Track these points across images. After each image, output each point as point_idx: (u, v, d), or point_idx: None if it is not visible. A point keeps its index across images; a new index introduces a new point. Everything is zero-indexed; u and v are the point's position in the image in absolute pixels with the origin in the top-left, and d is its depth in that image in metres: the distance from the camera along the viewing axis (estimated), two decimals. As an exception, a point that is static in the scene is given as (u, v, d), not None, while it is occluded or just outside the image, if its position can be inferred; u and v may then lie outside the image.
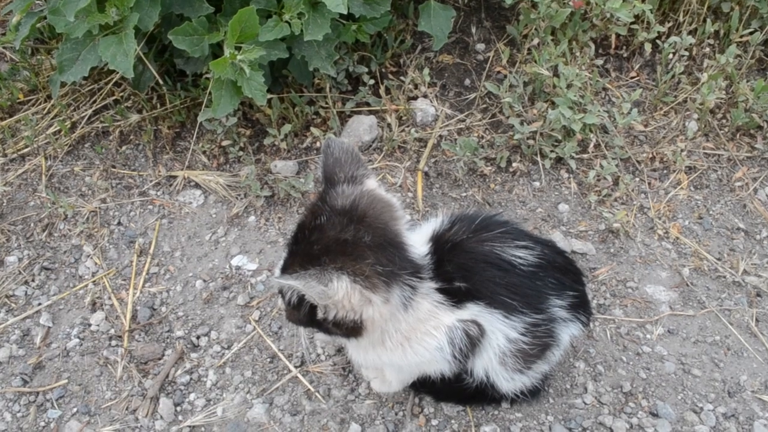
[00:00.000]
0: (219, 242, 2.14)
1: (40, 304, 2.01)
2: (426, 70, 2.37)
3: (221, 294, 2.01)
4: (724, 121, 2.29)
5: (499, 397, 1.70)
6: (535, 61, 2.29)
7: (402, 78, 2.42)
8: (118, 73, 2.42)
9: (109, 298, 2.02)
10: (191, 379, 1.84)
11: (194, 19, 2.02)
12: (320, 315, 1.33)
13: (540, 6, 2.27)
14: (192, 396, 1.81)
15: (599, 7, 2.32)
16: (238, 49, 1.96)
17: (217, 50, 2.15)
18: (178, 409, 1.78)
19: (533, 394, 1.71)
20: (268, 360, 1.86)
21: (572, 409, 1.72)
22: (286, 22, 2.03)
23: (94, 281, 2.06)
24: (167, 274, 2.07)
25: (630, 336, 1.85)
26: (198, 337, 1.92)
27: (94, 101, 2.45)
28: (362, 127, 2.30)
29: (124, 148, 2.37)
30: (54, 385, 1.84)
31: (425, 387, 1.73)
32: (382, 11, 2.15)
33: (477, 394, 1.68)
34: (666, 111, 2.33)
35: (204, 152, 2.33)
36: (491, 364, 1.49)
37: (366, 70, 2.38)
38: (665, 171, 2.21)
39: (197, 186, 2.28)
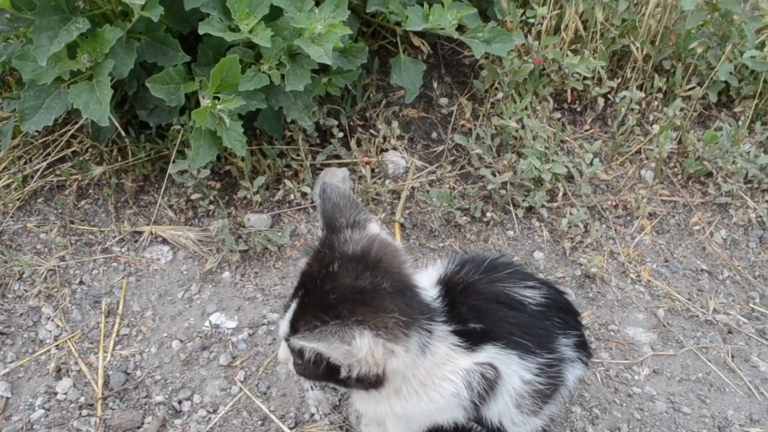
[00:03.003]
0: (193, 300, 2.03)
1: (-5, 373, 1.82)
2: (395, 123, 2.41)
3: (201, 354, 1.90)
4: (676, 169, 2.44)
5: (506, 446, 1.68)
6: (501, 115, 2.37)
7: (372, 131, 2.44)
8: (75, 125, 2.32)
9: (76, 363, 1.86)
10: (176, 448, 1.71)
11: (170, 68, 1.96)
12: (343, 374, 1.28)
13: (505, 61, 2.37)
14: (178, 466, 1.67)
15: (556, 63, 2.45)
16: (217, 98, 1.92)
17: (187, 101, 2.10)
18: (164, 481, 1.64)
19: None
20: (259, 422, 1.76)
21: (576, 453, 1.72)
22: (265, 72, 2.01)
23: (58, 345, 1.90)
24: (139, 335, 1.94)
25: (619, 378, 1.89)
26: (180, 402, 1.79)
27: (48, 154, 2.31)
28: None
29: (82, 203, 2.24)
30: (18, 465, 1.66)
31: (433, 440, 1.68)
32: (358, 63, 2.18)
33: (485, 444, 1.66)
34: (621, 161, 2.47)
35: (171, 206, 2.23)
36: (506, 408, 1.47)
37: (336, 123, 2.38)
38: (628, 218, 2.32)
39: (165, 242, 2.17)
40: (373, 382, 1.31)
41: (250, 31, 1.94)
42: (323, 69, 2.28)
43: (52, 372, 1.83)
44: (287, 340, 1.34)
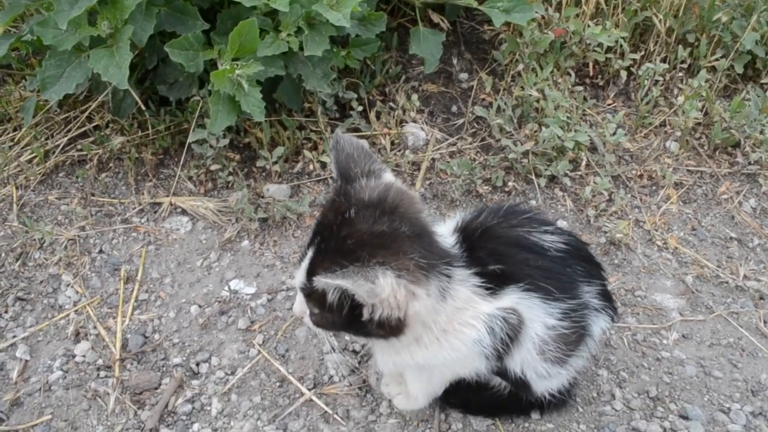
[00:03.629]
0: (212, 267, 2.02)
1: (15, 336, 1.82)
2: (415, 96, 2.39)
3: (219, 319, 1.88)
4: (702, 140, 2.39)
5: (529, 406, 1.63)
6: (522, 87, 2.34)
7: (391, 104, 2.42)
8: (95, 100, 2.34)
9: (95, 327, 1.85)
10: (194, 408, 1.68)
11: (189, 34, 1.97)
12: (365, 315, 1.24)
13: (525, 32, 2.34)
14: (196, 426, 1.65)
15: (578, 35, 2.42)
16: (236, 63, 1.92)
17: (209, 69, 2.10)
18: (181, 440, 1.62)
19: (561, 404, 1.65)
20: (278, 384, 1.73)
21: (603, 416, 1.66)
22: (283, 40, 2.01)
23: (77, 310, 1.89)
24: (158, 300, 1.93)
25: (647, 342, 1.83)
26: (198, 364, 1.77)
27: (69, 129, 2.33)
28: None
29: (103, 175, 2.24)
30: (35, 422, 1.65)
31: (455, 398, 1.64)
32: (376, 32, 2.17)
33: (509, 403, 1.61)
34: (646, 134, 2.42)
35: (190, 178, 2.23)
36: (530, 357, 1.42)
37: (355, 96, 2.37)
38: (654, 187, 2.27)
39: (184, 212, 2.16)
40: (394, 328, 1.27)
41: (269, -2, 1.94)
42: (342, 43, 2.28)
43: (70, 336, 1.83)
44: (304, 289, 1.32)
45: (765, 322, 1.89)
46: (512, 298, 1.36)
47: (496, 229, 1.42)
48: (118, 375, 1.74)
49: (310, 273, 1.27)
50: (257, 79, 1.99)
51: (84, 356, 1.78)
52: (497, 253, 1.38)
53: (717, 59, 2.48)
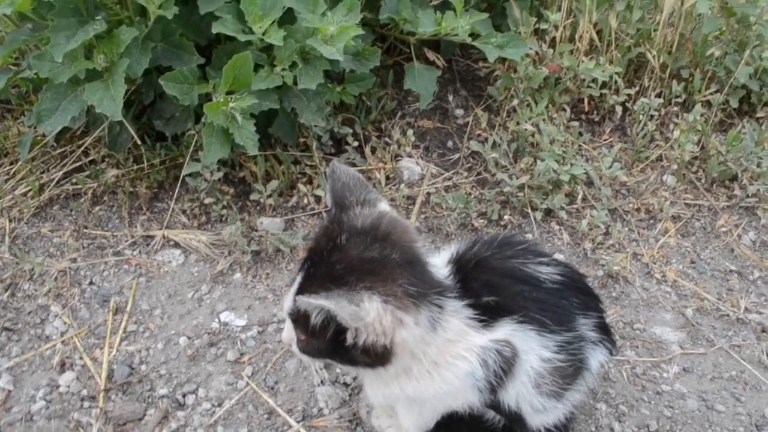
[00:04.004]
0: (203, 300, 1.99)
1: (-1, 367, 1.78)
2: (410, 131, 2.40)
3: (208, 351, 1.84)
4: (699, 173, 2.38)
5: (525, 440, 1.57)
6: (518, 122, 2.35)
7: (387, 139, 2.43)
8: (91, 135, 2.35)
9: (81, 357, 1.82)
10: (178, 441, 1.63)
11: (184, 67, 1.99)
12: (349, 339, 1.21)
13: (519, 67, 2.36)
14: (179, 459, 1.59)
15: (573, 71, 2.44)
16: (230, 96, 1.93)
17: (201, 108, 2.13)
18: (164, 475, 1.56)
19: (559, 436, 1.60)
20: (265, 416, 1.68)
21: (601, 450, 1.60)
22: (278, 74, 2.03)
23: (63, 341, 1.86)
24: (146, 332, 1.90)
25: (647, 376, 1.78)
26: (184, 395, 1.73)
27: (65, 164, 2.33)
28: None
29: (97, 209, 2.24)
30: (15, 456, 1.60)
31: (448, 431, 1.58)
32: (370, 66, 2.19)
33: (503, 436, 1.55)
34: (642, 168, 2.41)
35: (184, 212, 2.22)
36: (525, 390, 1.38)
37: (350, 131, 2.38)
38: (652, 221, 2.24)
39: (177, 245, 2.15)
40: (380, 356, 1.24)
41: (264, 33, 1.97)
42: (338, 79, 2.31)
43: (56, 366, 1.79)
44: (291, 314, 1.29)
45: (768, 355, 1.84)
46: (506, 330, 1.32)
47: (490, 261, 1.39)
48: (102, 405, 1.69)
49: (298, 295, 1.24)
50: (251, 113, 2.00)
51: (68, 386, 1.74)
52: (491, 284, 1.35)
53: (712, 93, 2.48)
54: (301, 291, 1.24)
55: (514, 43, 2.28)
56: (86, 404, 1.71)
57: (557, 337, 1.36)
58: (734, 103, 2.50)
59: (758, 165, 2.28)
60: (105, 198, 2.28)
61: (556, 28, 2.43)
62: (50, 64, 1.91)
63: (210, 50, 2.16)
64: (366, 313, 1.15)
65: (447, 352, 1.30)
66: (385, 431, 1.61)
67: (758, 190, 2.25)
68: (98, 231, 2.19)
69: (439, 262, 1.39)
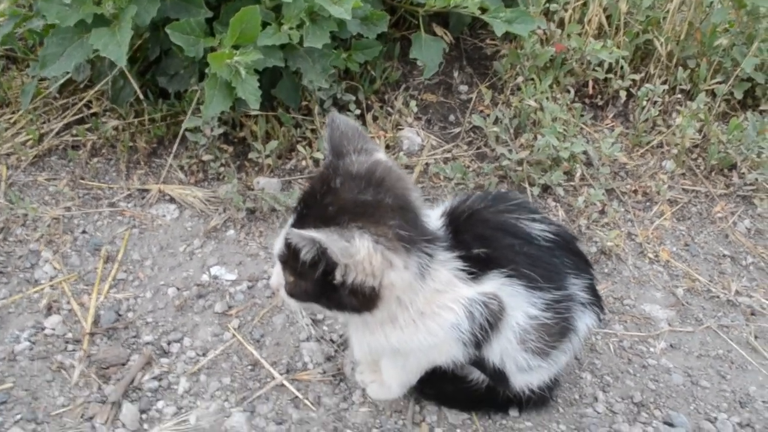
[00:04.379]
0: (194, 254, 1.99)
1: (-15, 306, 1.78)
2: (413, 103, 2.39)
3: (196, 302, 1.84)
4: (699, 161, 2.37)
5: (507, 402, 1.57)
6: (521, 99, 2.34)
7: (389, 109, 2.43)
8: (94, 88, 2.34)
9: (68, 302, 1.81)
10: (160, 385, 1.63)
11: (191, 18, 1.98)
12: (338, 278, 1.20)
13: (526, 44, 2.36)
14: (160, 403, 1.59)
15: (579, 52, 2.43)
16: (236, 49, 1.93)
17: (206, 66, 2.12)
18: (144, 416, 1.56)
19: (541, 403, 1.59)
20: (249, 368, 1.68)
21: (584, 418, 1.60)
22: (285, 32, 2.02)
23: (52, 285, 1.86)
24: (136, 281, 1.89)
25: (633, 350, 1.78)
26: (169, 343, 1.73)
27: (66, 115, 2.33)
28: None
29: (95, 161, 2.23)
30: (-4, 390, 1.59)
31: (431, 389, 1.58)
32: (378, 31, 2.18)
33: (486, 397, 1.55)
34: (642, 153, 2.40)
35: (181, 168, 2.22)
36: (510, 346, 1.37)
37: (353, 98, 2.37)
38: (648, 203, 2.24)
39: (172, 200, 2.14)
40: (367, 299, 1.23)
41: (272, -12, 1.97)
42: (345, 46, 2.30)
43: (42, 309, 1.79)
44: (281, 256, 1.29)
45: (756, 337, 1.83)
46: (494, 283, 1.32)
47: (483, 213, 1.39)
48: (86, 348, 1.69)
49: (288, 240, 1.24)
50: (255, 69, 1.99)
51: (54, 329, 1.74)
52: (482, 237, 1.35)
53: (717, 84, 2.47)
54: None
55: (522, 18, 2.27)
56: (70, 347, 1.71)
57: (546, 295, 1.35)
58: (739, 95, 2.50)
59: (758, 154, 2.27)
60: (104, 151, 2.28)
61: (566, 9, 2.42)
62: (58, 6, 1.91)
63: (219, 6, 2.15)
64: (356, 250, 1.14)
65: (434, 302, 1.30)
66: (368, 386, 1.61)
67: (756, 179, 2.25)
68: (95, 182, 2.18)
69: (433, 215, 1.38)
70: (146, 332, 1.75)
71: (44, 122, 2.33)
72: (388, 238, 1.19)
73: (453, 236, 1.34)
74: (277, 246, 1.29)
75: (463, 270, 1.31)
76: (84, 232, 2.02)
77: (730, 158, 2.30)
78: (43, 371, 1.64)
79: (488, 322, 1.32)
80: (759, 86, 2.51)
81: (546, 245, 1.39)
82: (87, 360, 1.67)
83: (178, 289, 1.87)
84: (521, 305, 1.35)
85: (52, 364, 1.66)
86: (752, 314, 1.89)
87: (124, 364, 1.67)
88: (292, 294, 1.32)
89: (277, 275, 1.34)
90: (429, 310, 1.30)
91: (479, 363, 1.45)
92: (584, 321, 1.46)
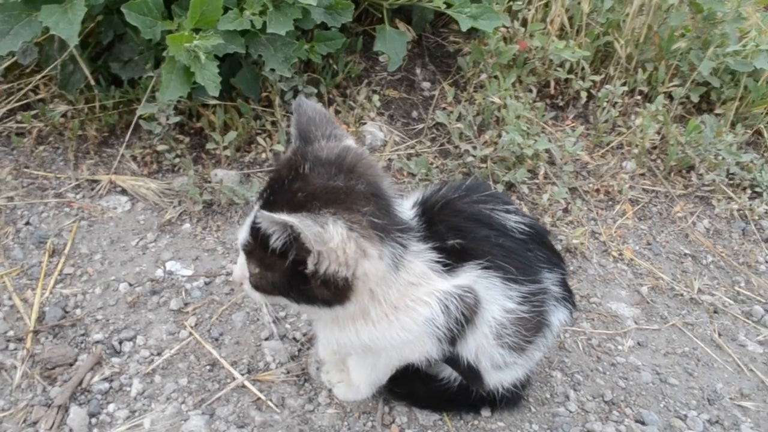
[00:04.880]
0: (148, 248, 1.88)
1: None
2: (375, 97, 2.34)
3: (150, 299, 1.73)
4: (658, 162, 2.40)
5: (480, 402, 1.53)
6: (485, 96, 2.32)
7: (351, 103, 2.37)
8: (41, 73, 2.20)
9: (10, 297, 1.68)
10: (111, 387, 1.52)
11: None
12: (310, 267, 1.12)
13: (490, 41, 2.34)
14: (111, 407, 1.48)
15: (541, 51, 2.43)
16: (195, 33, 1.84)
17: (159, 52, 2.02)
18: (94, 420, 1.45)
19: (513, 402, 1.56)
20: (207, 368, 1.59)
21: (557, 417, 1.57)
22: (247, 18, 1.94)
23: (-8, 280, 1.72)
24: (84, 276, 1.77)
25: (602, 347, 1.77)
26: (121, 342, 1.62)
27: (9, 100, 2.18)
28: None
29: (40, 149, 2.10)
30: (-73, 393, 1.45)
31: (401, 389, 1.52)
32: (342, 21, 2.13)
33: (459, 397, 1.50)
34: (603, 153, 2.42)
35: (134, 158, 2.11)
36: (486, 341, 1.33)
37: (315, 91, 2.30)
38: (610, 202, 2.25)
39: (124, 192, 2.03)
40: (340, 290, 1.17)
41: (234, -28, 1.89)
42: (307, 37, 2.23)
43: (-19, 305, 1.65)
44: (246, 246, 1.21)
45: (719, 335, 1.85)
46: (470, 276, 1.27)
47: (457, 204, 1.34)
48: (29, 347, 1.56)
49: (253, 228, 1.16)
50: (215, 55, 1.91)
51: (-7, 327, 1.60)
52: (457, 227, 1.30)
53: (675, 85, 2.51)
54: (257, 220, 1.16)
55: (487, 15, 2.26)
56: (12, 346, 1.58)
57: (522, 288, 1.31)
58: (695, 98, 2.54)
59: (715, 156, 2.31)
60: (51, 139, 2.14)
61: (529, 9, 2.42)
62: (2, -19, 1.78)
63: (177, -7, 2.06)
64: (330, 237, 1.08)
65: (407, 296, 1.24)
66: (334, 386, 1.54)
67: (714, 179, 2.29)
68: (40, 171, 2.05)
69: (405, 205, 1.33)
70: (96, 330, 1.63)
71: (-16, 107, 2.17)
72: (362, 225, 1.13)
73: (427, 227, 1.29)
74: (242, 235, 1.21)
75: (438, 262, 1.26)
76: (28, 223, 1.89)
77: (689, 159, 2.33)
78: (-19, 372, 1.51)
79: (464, 317, 1.27)
80: (714, 90, 2.56)
81: (520, 237, 1.36)
82: (30, 360, 1.55)
83: (130, 284, 1.76)
84: (497, 299, 1.30)
85: (-10, 364, 1.53)
86: (715, 312, 1.91)
87: (71, 365, 1.55)
88: (257, 287, 1.24)
89: (240, 267, 1.26)
90: (403, 304, 1.25)
91: (453, 360, 1.40)
92: (557, 316, 1.43)
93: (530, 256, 1.36)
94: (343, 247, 1.11)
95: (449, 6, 2.28)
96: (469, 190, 1.38)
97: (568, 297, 1.45)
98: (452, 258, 1.27)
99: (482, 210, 1.34)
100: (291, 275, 1.17)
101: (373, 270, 1.16)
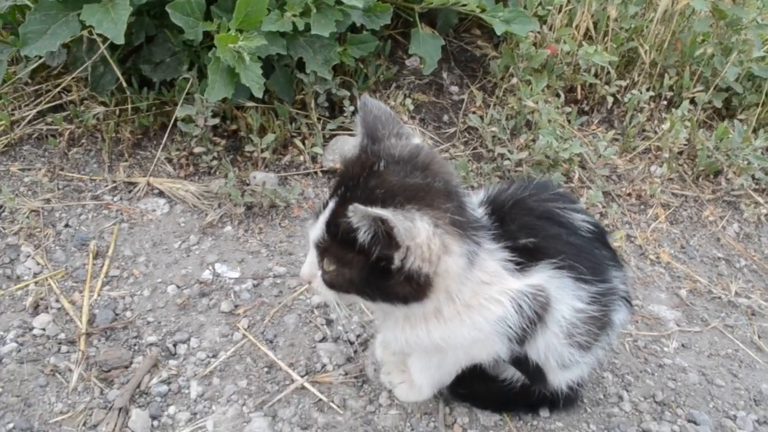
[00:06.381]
0: (191, 250, 1.86)
1: (-37, 304, 1.60)
2: (408, 100, 2.35)
3: (199, 301, 1.72)
4: (686, 167, 2.43)
5: (539, 402, 1.53)
6: (520, 98, 2.33)
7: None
8: (71, 75, 2.18)
9: (57, 300, 1.66)
10: (170, 389, 1.50)
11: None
12: (396, 262, 1.11)
13: (522, 45, 2.36)
14: (172, 409, 1.46)
15: (570, 56, 2.45)
16: (240, 33, 1.83)
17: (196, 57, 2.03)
18: (156, 423, 1.43)
19: (570, 403, 1.57)
20: (265, 370, 1.58)
21: (612, 417, 1.58)
22: (289, 19, 1.94)
23: (37, 282, 1.69)
24: (131, 278, 1.75)
25: (648, 349, 1.78)
26: (175, 344, 1.60)
27: (39, 102, 2.15)
28: (347, 146, 2.19)
29: (73, 151, 2.07)
30: (-17, 397, 1.43)
31: (463, 389, 1.52)
32: (381, 23, 2.14)
33: (520, 397, 1.50)
34: (630, 158, 2.44)
35: (170, 161, 2.09)
36: (555, 340, 1.33)
37: (348, 94, 2.30)
38: (642, 206, 2.27)
39: (161, 194, 2.01)
40: (420, 287, 1.16)
41: (277, -26, 1.89)
42: (340, 40, 2.23)
43: (28, 308, 1.63)
44: (321, 243, 1.20)
45: (759, 337, 1.88)
46: (543, 276, 1.27)
47: (528, 202, 1.34)
48: (83, 350, 1.54)
49: (331, 224, 1.16)
50: (258, 56, 1.90)
51: (43, 329, 1.58)
52: (529, 226, 1.30)
53: (699, 91, 2.54)
54: (335, 216, 1.16)
55: (520, 19, 2.28)
56: (64, 349, 1.55)
57: (591, 288, 1.32)
58: (718, 104, 2.58)
59: (744, 160, 2.35)
60: (83, 141, 2.12)
61: (559, 10, 2.44)
62: (44, -20, 1.76)
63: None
64: (418, 232, 1.08)
65: (481, 295, 1.24)
66: (396, 387, 1.53)
67: (742, 184, 2.32)
68: (75, 173, 2.02)
69: (473, 203, 1.33)
70: (148, 332, 1.61)
71: (15, 109, 2.14)
72: (445, 222, 1.13)
73: (499, 226, 1.29)
74: (316, 232, 1.20)
75: (511, 260, 1.27)
76: (67, 225, 1.86)
77: (717, 164, 2.36)
78: (35, 375, 1.49)
79: (537, 315, 1.28)
80: (735, 96, 2.60)
81: (588, 236, 1.37)
82: (85, 362, 1.52)
83: (178, 287, 1.74)
84: (567, 298, 1.31)
85: (44, 367, 1.51)
86: (753, 314, 1.94)
87: (127, 367, 1.53)
88: (332, 284, 1.23)
89: (309, 265, 1.25)
90: (476, 302, 1.25)
91: (518, 360, 1.40)
92: (618, 315, 1.44)
93: (598, 254, 1.37)
94: (428, 243, 1.10)
95: (483, 10, 2.29)
96: (537, 188, 1.38)
97: (627, 296, 1.46)
98: (524, 256, 1.28)
99: (552, 208, 1.35)
100: (371, 271, 1.16)
101: (453, 267, 1.16)
